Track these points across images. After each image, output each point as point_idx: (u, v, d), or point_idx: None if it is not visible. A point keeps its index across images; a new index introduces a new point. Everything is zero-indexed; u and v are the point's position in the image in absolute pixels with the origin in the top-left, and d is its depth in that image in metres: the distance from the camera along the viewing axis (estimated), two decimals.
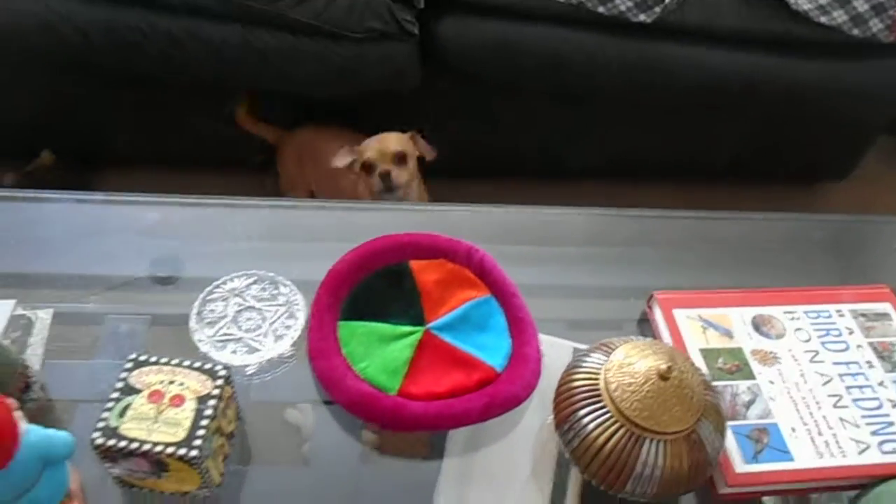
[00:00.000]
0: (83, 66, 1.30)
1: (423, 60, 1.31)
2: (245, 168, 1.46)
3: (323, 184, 1.35)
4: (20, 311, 0.72)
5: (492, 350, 0.70)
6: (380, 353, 0.69)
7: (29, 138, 1.50)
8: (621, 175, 1.61)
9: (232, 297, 0.74)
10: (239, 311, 0.73)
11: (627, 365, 0.60)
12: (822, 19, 1.26)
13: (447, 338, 0.71)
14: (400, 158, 1.19)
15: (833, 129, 1.56)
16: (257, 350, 0.70)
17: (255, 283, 0.75)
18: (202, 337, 0.70)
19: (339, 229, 0.83)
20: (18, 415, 0.49)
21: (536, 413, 0.68)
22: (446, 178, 1.29)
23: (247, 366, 0.69)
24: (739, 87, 1.34)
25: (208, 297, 0.74)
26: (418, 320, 0.72)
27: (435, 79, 1.35)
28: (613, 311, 0.81)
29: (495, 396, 0.66)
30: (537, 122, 1.51)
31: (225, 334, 0.71)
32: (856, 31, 1.28)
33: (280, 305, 0.74)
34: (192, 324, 0.71)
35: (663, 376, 0.58)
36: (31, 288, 0.75)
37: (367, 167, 1.19)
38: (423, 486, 0.63)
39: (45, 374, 0.66)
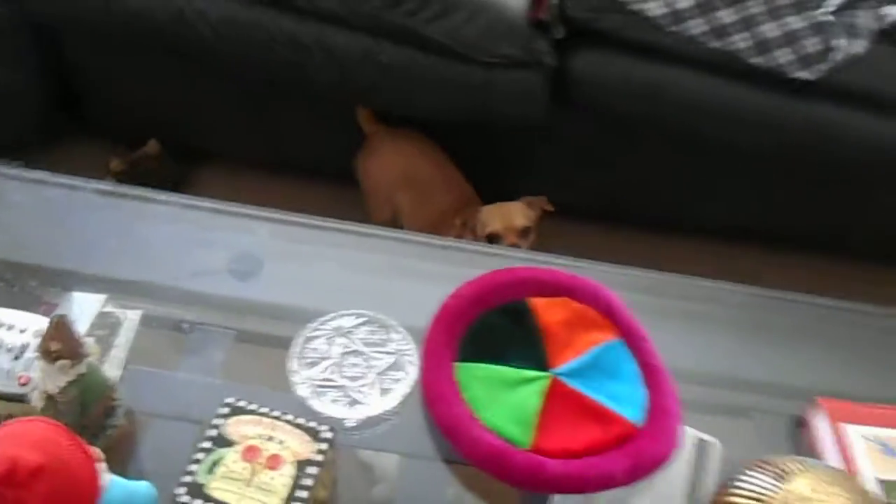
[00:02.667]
0: (205, 61, 1.28)
1: (552, 94, 1.23)
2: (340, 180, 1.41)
3: (419, 219, 1.30)
4: (110, 309, 0.67)
5: (627, 401, 0.62)
6: (504, 400, 0.61)
7: (140, 126, 1.49)
8: (741, 238, 1.48)
9: (338, 336, 0.67)
10: (344, 354, 0.66)
11: (805, 500, 0.49)
12: None
13: (577, 386, 0.63)
14: (524, 232, 1.16)
15: None
16: (360, 403, 0.62)
17: (364, 324, 0.68)
18: (301, 379, 0.63)
19: (460, 272, 0.74)
20: (102, 466, 0.42)
21: None
22: (557, 215, 1.21)
23: (346, 419, 0.61)
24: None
25: (311, 335, 0.67)
26: (541, 364, 0.64)
27: (562, 114, 1.26)
28: (762, 409, 0.70)
29: (640, 456, 0.59)
30: (656, 171, 1.40)
31: (326, 379, 0.63)
32: None
33: (390, 353, 0.66)
34: (293, 364, 0.64)
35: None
36: (124, 288, 0.70)
37: (492, 237, 1.16)
38: None
39: (125, 381, 0.61)
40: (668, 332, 0.70)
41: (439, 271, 0.75)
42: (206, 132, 1.51)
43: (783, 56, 1.13)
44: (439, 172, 1.33)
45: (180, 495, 0.47)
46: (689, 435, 0.63)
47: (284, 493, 0.48)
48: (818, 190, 1.35)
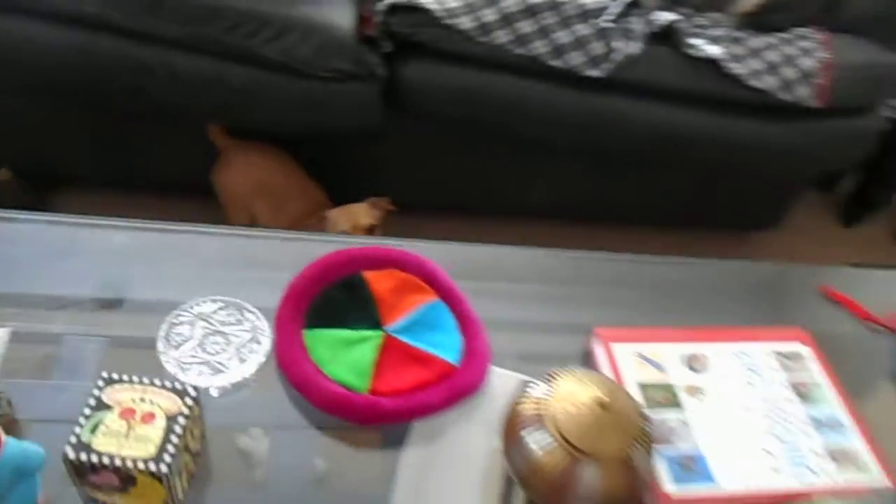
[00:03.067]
0: (52, 88, 1.32)
1: (386, 102, 1.37)
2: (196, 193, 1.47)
3: (277, 215, 1.40)
4: None
5: (446, 347, 0.77)
6: (345, 356, 0.74)
7: None
8: (571, 217, 1.69)
9: (199, 321, 0.77)
10: (205, 336, 0.76)
11: (571, 395, 0.65)
12: (753, 83, 1.38)
13: (405, 339, 0.77)
14: (370, 230, 1.31)
15: (764, 183, 1.68)
16: (222, 372, 0.73)
17: (222, 308, 0.79)
18: (169, 359, 0.73)
19: (302, 258, 0.86)
20: None
21: (484, 439, 0.73)
22: (404, 213, 1.35)
23: (211, 387, 0.72)
24: (681, 141, 1.44)
25: (175, 321, 0.77)
26: (376, 324, 0.78)
27: (397, 120, 1.41)
28: (559, 345, 0.86)
29: (455, 388, 0.74)
30: (493, 165, 1.58)
31: (192, 356, 0.74)
32: (785, 96, 1.39)
33: (246, 331, 0.77)
34: (160, 346, 0.74)
35: (603, 406, 0.64)
36: None
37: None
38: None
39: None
40: (482, 292, 0.86)
41: (285, 259, 0.86)
42: (59, 157, 1.54)
43: (576, 58, 1.34)
44: (290, 181, 1.44)
45: (68, 452, 0.57)
46: (500, 373, 0.78)
47: (158, 440, 0.59)
48: (622, 171, 1.59)
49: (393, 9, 1.31)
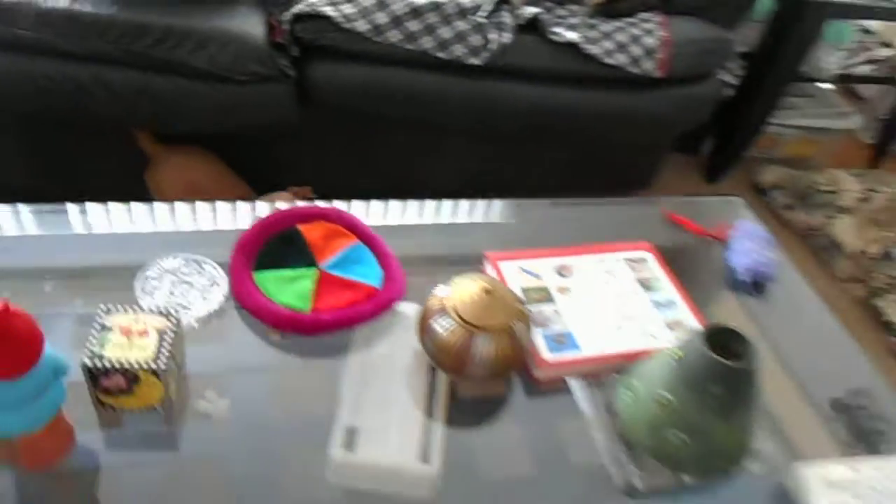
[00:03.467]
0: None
1: (299, 101, 1.57)
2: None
3: None
4: None
5: (370, 276, 0.98)
6: (289, 288, 0.93)
7: None
8: (472, 194, 1.92)
9: (166, 274, 0.95)
10: (174, 285, 0.94)
11: (464, 289, 0.87)
12: (607, 60, 1.65)
13: (336, 272, 0.98)
14: None
15: (632, 148, 1.96)
16: (189, 309, 0.91)
17: (184, 263, 0.97)
18: (147, 303, 0.91)
19: (245, 222, 1.05)
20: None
21: (407, 342, 0.94)
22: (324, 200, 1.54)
23: (185, 322, 0.90)
24: (552, 115, 1.69)
25: (147, 275, 0.94)
26: (312, 264, 0.98)
27: (310, 116, 1.60)
28: (459, 271, 1.09)
29: (378, 303, 0.95)
30: (399, 150, 1.79)
31: (165, 302, 0.92)
32: (634, 70, 1.67)
33: (205, 279, 0.96)
34: (138, 294, 0.91)
35: (487, 292, 0.86)
36: None
37: None
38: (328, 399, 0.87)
39: None
40: (395, 234, 1.07)
41: (231, 224, 1.05)
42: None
43: (458, 50, 1.58)
44: (218, 178, 1.62)
45: (85, 361, 0.74)
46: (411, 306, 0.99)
47: (154, 348, 0.77)
48: (502, 147, 1.83)
49: (297, 17, 1.51)
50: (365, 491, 0.81)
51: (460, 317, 0.85)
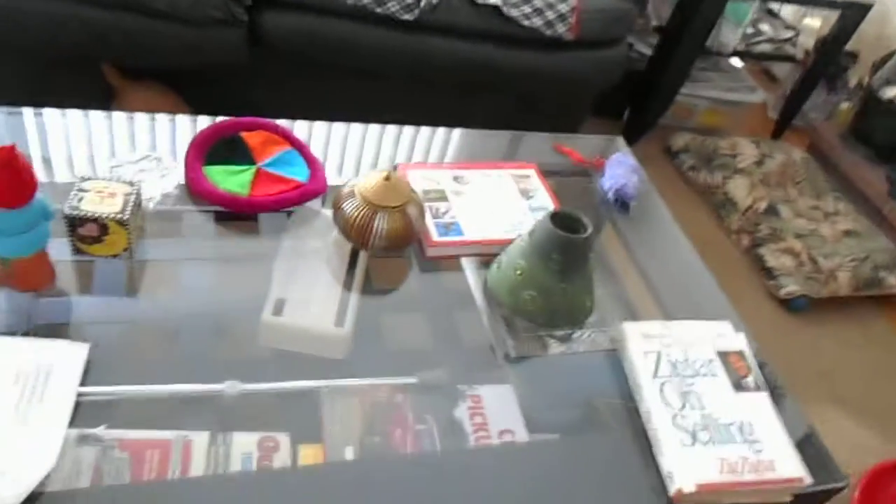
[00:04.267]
0: None
1: (250, 44, 1.78)
2: None
3: None
4: None
5: (298, 174, 1.20)
6: (232, 179, 1.16)
7: None
8: None
9: (129, 165, 1.17)
10: (136, 174, 1.16)
11: (369, 177, 1.11)
12: (525, 23, 1.89)
13: (271, 169, 1.20)
14: None
15: (553, 107, 2.22)
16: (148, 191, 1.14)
17: (144, 158, 1.19)
18: None
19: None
20: None
21: (327, 230, 1.17)
22: None
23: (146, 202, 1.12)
24: (475, 70, 1.94)
25: (114, 166, 1.16)
26: (251, 162, 1.20)
27: (263, 59, 1.82)
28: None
29: (304, 192, 1.17)
30: (341, 95, 2.00)
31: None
32: (548, 32, 1.92)
33: (163, 169, 1.18)
34: (107, 176, 1.13)
35: (386, 178, 1.10)
36: None
37: None
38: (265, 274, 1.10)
39: None
40: (320, 145, 1.30)
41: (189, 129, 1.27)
42: None
43: (393, 6, 1.80)
44: (178, 111, 1.82)
45: (66, 210, 0.96)
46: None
47: (121, 205, 0.98)
48: (447, 96, 2.07)
49: None
50: (289, 351, 1.01)
51: (364, 198, 1.09)
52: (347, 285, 1.12)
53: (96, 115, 1.26)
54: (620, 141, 1.59)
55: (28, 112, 1.24)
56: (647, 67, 2.49)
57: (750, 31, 2.56)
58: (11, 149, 0.81)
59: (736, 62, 2.81)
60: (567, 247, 1.06)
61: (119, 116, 1.27)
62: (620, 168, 1.44)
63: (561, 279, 1.07)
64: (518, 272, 1.09)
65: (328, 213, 1.19)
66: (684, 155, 2.62)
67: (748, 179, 2.51)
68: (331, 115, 2.05)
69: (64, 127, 1.23)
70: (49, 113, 1.25)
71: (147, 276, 1.04)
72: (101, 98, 1.78)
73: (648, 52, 2.52)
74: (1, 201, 0.84)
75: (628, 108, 2.66)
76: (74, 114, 1.25)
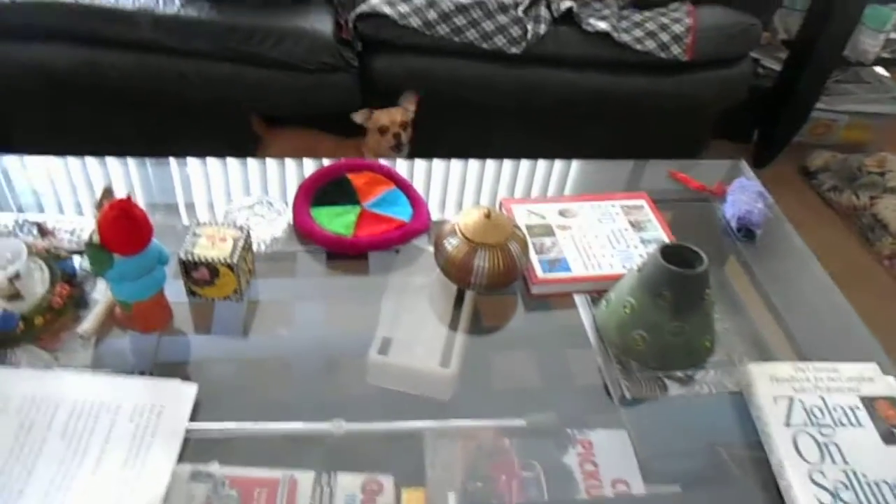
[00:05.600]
0: (112, 96, 1.79)
1: (363, 88, 1.83)
2: None
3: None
4: None
5: (402, 214, 1.21)
6: (337, 220, 1.18)
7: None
8: None
9: (244, 209, 1.22)
10: (249, 219, 1.21)
11: (470, 214, 1.09)
12: (638, 47, 1.82)
13: (374, 209, 1.21)
14: (404, 125, 1.75)
15: (671, 132, 2.12)
16: (261, 235, 1.18)
17: (257, 202, 1.24)
18: None
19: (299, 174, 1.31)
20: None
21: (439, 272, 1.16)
22: None
23: (256, 243, 1.16)
24: (587, 98, 1.89)
25: (228, 211, 1.21)
26: (356, 203, 1.22)
27: (372, 101, 1.87)
28: None
29: (406, 231, 1.18)
30: (452, 129, 2.02)
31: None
32: (663, 55, 1.84)
33: (274, 212, 1.22)
34: (221, 220, 1.18)
35: (486, 215, 1.07)
36: None
37: (382, 130, 1.73)
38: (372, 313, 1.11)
39: None
40: (430, 185, 1.30)
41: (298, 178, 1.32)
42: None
43: (499, 41, 1.80)
44: (326, 139, 1.89)
45: (181, 255, 1.01)
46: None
47: (230, 249, 1.02)
48: (543, 127, 2.03)
49: (360, 16, 1.78)
50: (395, 390, 0.99)
51: (465, 235, 1.07)
52: (454, 324, 1.10)
53: (213, 163, 1.34)
54: (743, 165, 1.48)
55: (154, 161, 1.33)
56: (777, 84, 2.33)
57: (893, 35, 2.33)
58: (128, 200, 0.86)
59: (880, 71, 2.57)
60: (679, 283, 0.98)
61: (233, 163, 1.34)
62: (744, 194, 1.34)
63: (673, 317, 1.00)
64: (626, 309, 1.03)
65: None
66: (823, 175, 2.42)
67: None
68: (438, 151, 2.07)
69: (191, 174, 1.31)
70: (174, 162, 1.33)
71: (258, 316, 1.07)
72: (244, 145, 1.89)
73: (777, 67, 2.36)
74: (120, 249, 0.90)
75: (757, 128, 2.49)
76: (193, 161, 1.33)
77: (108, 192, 1.01)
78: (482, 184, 1.37)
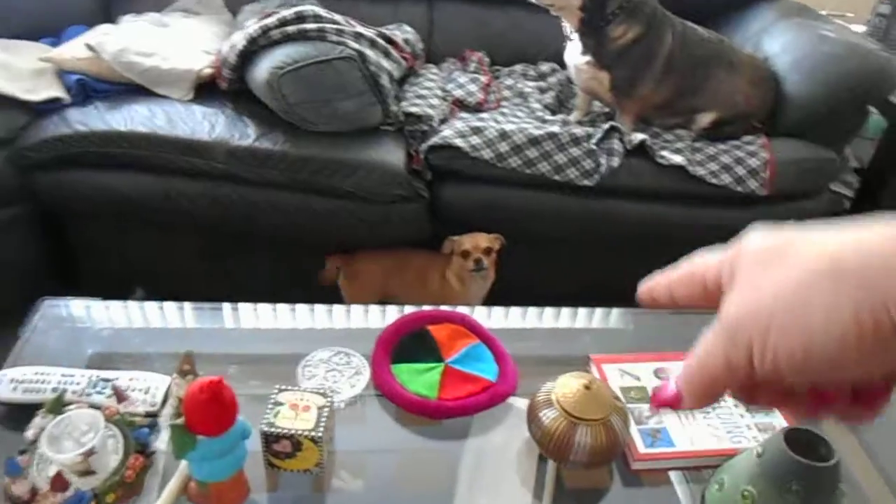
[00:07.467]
0: (182, 225, 1.79)
1: (432, 217, 1.81)
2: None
3: (411, 289, 1.83)
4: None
5: (487, 371, 1.13)
6: (420, 379, 1.11)
7: (127, 279, 1.96)
8: (587, 299, 2.06)
9: (321, 363, 1.16)
10: (327, 372, 1.15)
11: (567, 385, 1.01)
12: (713, 181, 1.78)
13: (459, 367, 1.14)
14: (487, 250, 1.73)
15: None
16: (338, 393, 1.11)
17: (335, 354, 1.18)
18: (305, 386, 1.11)
19: (384, 321, 1.26)
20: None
21: (519, 431, 1.08)
22: None
23: (335, 403, 1.10)
24: (661, 232, 1.83)
25: (306, 364, 1.16)
26: (439, 359, 1.15)
27: (441, 230, 1.84)
28: (566, 370, 1.23)
29: (494, 394, 1.10)
30: (522, 260, 1.98)
31: (319, 385, 1.12)
32: (739, 189, 1.79)
33: (352, 368, 1.16)
34: (299, 377, 1.12)
35: (588, 387, 1.00)
36: None
37: (465, 254, 1.72)
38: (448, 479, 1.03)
39: None
40: (512, 336, 1.24)
41: (372, 326, 1.26)
42: (179, 278, 1.99)
43: (571, 173, 1.77)
44: (413, 255, 1.86)
45: (263, 427, 0.94)
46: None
47: (314, 419, 0.96)
48: (614, 258, 1.97)
49: (432, 148, 1.77)
50: None
51: (563, 409, 0.99)
52: (539, 493, 1.01)
53: (283, 309, 1.29)
54: None
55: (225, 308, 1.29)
56: (849, 211, 2.26)
57: None
58: (219, 382, 0.81)
59: None
60: (811, 476, 0.88)
61: (302, 309, 1.29)
62: None
63: None
64: (747, 500, 0.92)
65: (518, 405, 1.10)
66: None
67: None
68: (510, 282, 2.02)
69: (256, 321, 1.26)
70: (244, 308, 1.29)
71: (333, 474, 0.99)
72: (287, 276, 1.87)
73: (846, 192, 2.30)
74: (206, 431, 0.84)
75: None
76: (265, 308, 1.29)
77: (189, 357, 0.97)
78: (564, 333, 1.30)
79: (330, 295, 1.89)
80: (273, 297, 1.74)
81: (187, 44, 1.95)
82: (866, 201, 2.23)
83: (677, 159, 1.78)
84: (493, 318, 1.31)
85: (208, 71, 1.87)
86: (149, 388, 1.05)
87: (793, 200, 1.85)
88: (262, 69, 1.67)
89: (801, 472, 0.88)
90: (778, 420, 1.10)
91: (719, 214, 1.83)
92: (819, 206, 1.91)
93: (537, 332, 1.32)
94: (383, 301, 1.84)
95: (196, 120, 1.72)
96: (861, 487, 1.05)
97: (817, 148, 1.87)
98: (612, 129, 1.82)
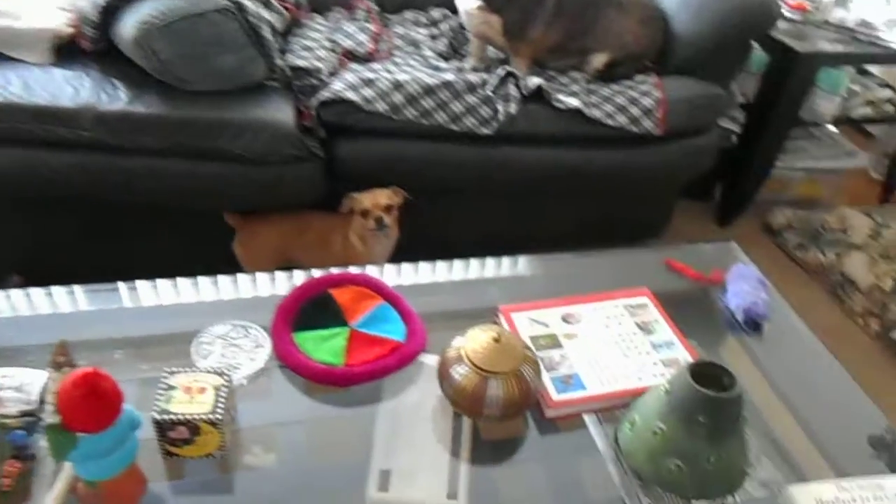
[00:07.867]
0: (54, 199, 1.63)
1: (328, 176, 1.73)
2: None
3: (312, 252, 1.74)
4: None
5: (394, 332, 1.10)
6: (324, 346, 1.06)
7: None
8: (492, 248, 2.05)
9: (217, 339, 1.09)
10: (224, 348, 1.08)
11: (476, 338, 0.99)
12: (609, 122, 1.78)
13: (364, 330, 1.10)
14: (388, 208, 1.65)
15: (641, 199, 2.08)
16: (238, 369, 1.04)
17: (232, 329, 1.11)
18: (201, 365, 1.04)
19: (283, 289, 1.19)
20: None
21: (430, 390, 1.05)
22: None
23: (235, 380, 1.03)
24: (560, 175, 1.83)
25: (200, 342, 1.08)
26: (343, 323, 1.11)
27: (339, 188, 1.76)
28: (476, 322, 1.20)
29: (402, 356, 1.07)
30: (422, 213, 1.93)
31: (217, 363, 1.05)
32: (634, 129, 1.80)
33: (251, 341, 1.09)
34: (193, 356, 1.05)
35: (497, 340, 0.97)
36: None
37: (365, 213, 1.63)
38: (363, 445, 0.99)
39: None
40: (417, 292, 1.20)
41: (274, 294, 1.19)
42: (59, 257, 1.82)
43: (469, 122, 1.73)
44: (313, 217, 1.76)
45: (155, 415, 0.87)
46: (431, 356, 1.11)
47: (211, 402, 0.89)
48: (526, 203, 1.97)
49: (323, 103, 1.68)
50: None
51: (474, 364, 0.96)
52: (456, 450, 1.00)
53: (184, 283, 1.20)
54: (735, 248, 1.44)
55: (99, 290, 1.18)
56: (737, 144, 2.34)
57: (845, 95, 2.38)
58: (94, 373, 0.73)
59: (831, 128, 2.62)
60: (716, 407, 0.90)
61: (205, 281, 1.21)
62: (745, 283, 1.28)
63: (710, 444, 0.91)
64: (657, 436, 0.94)
65: (429, 363, 1.08)
66: (788, 233, 2.43)
67: (865, 255, 2.28)
68: (412, 235, 1.98)
69: (134, 300, 1.17)
70: (117, 288, 1.19)
71: (240, 453, 0.94)
72: (178, 244, 1.75)
73: (734, 128, 2.37)
74: (86, 427, 0.76)
75: (720, 187, 2.49)
76: (145, 285, 1.20)
77: (62, 347, 0.87)
78: (469, 285, 1.28)
79: (235, 267, 1.79)
80: (174, 272, 1.61)
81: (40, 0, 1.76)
82: (755, 135, 2.31)
83: (574, 102, 1.77)
84: (403, 275, 1.27)
85: (68, 30, 1.69)
86: (22, 385, 0.95)
87: (685, 137, 1.89)
88: (129, 25, 1.52)
89: (707, 404, 0.90)
90: (682, 354, 1.12)
91: (615, 156, 1.85)
92: (709, 142, 1.96)
93: (445, 286, 1.29)
94: (285, 267, 1.75)
95: (57, 84, 1.56)
96: (762, 413, 1.09)
97: (706, 85, 1.91)
98: (509, 74, 1.78)
